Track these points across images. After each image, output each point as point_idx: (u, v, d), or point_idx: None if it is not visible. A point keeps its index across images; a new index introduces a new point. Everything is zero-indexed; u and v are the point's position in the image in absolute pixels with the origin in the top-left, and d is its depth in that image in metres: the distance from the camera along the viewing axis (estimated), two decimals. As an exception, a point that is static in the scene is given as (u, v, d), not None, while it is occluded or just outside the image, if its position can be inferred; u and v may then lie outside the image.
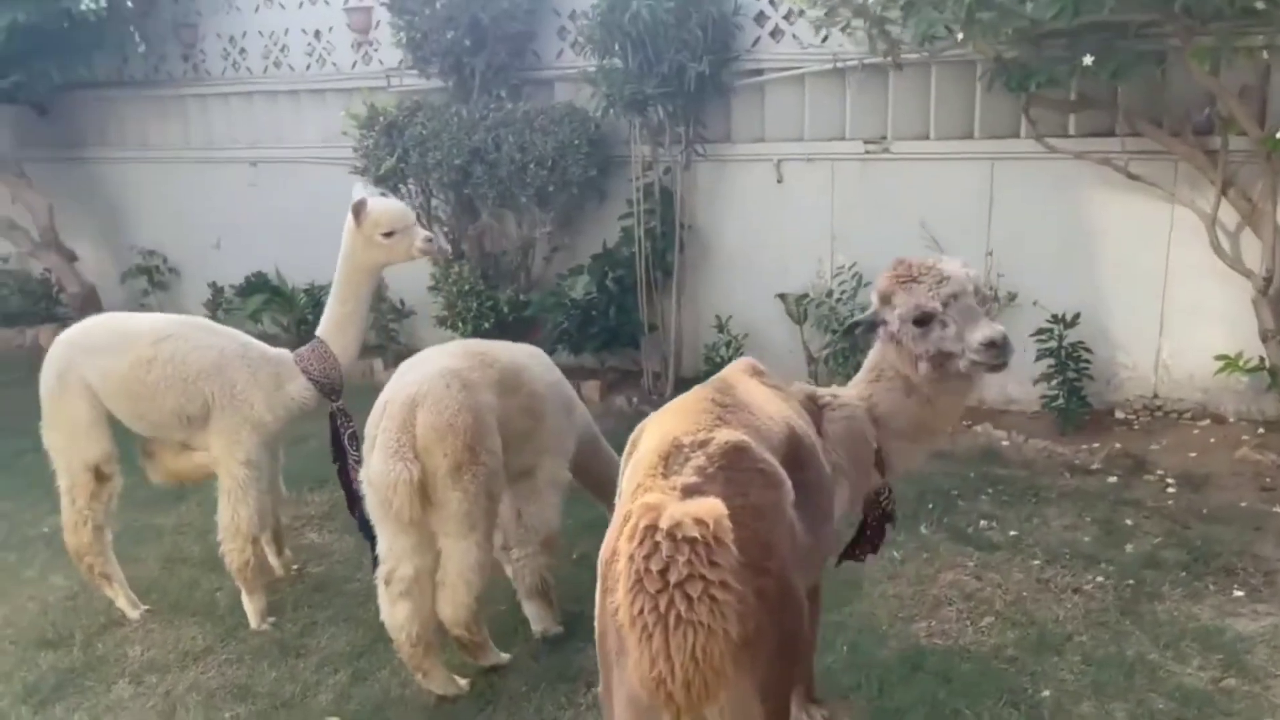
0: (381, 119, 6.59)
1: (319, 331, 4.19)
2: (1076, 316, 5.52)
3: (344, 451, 4.14)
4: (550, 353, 4.21)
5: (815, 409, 2.88)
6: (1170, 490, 4.86)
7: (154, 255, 8.82)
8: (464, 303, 6.61)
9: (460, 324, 6.68)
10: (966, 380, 2.89)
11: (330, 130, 7.61)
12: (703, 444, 2.09)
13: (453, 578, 3.37)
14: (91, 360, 3.90)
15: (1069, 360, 5.54)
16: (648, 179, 6.39)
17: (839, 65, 5.95)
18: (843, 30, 5.53)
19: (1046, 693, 3.39)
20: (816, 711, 2.85)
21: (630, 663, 1.84)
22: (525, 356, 3.76)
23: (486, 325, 6.61)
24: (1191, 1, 4.30)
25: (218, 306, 8.21)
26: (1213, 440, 5.29)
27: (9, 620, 4.23)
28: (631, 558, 1.78)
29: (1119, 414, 5.71)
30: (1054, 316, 5.54)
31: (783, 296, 6.27)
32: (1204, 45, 4.61)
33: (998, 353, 2.71)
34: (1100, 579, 4.08)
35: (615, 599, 1.89)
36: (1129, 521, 4.56)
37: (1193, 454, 5.18)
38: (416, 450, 3.21)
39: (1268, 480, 4.83)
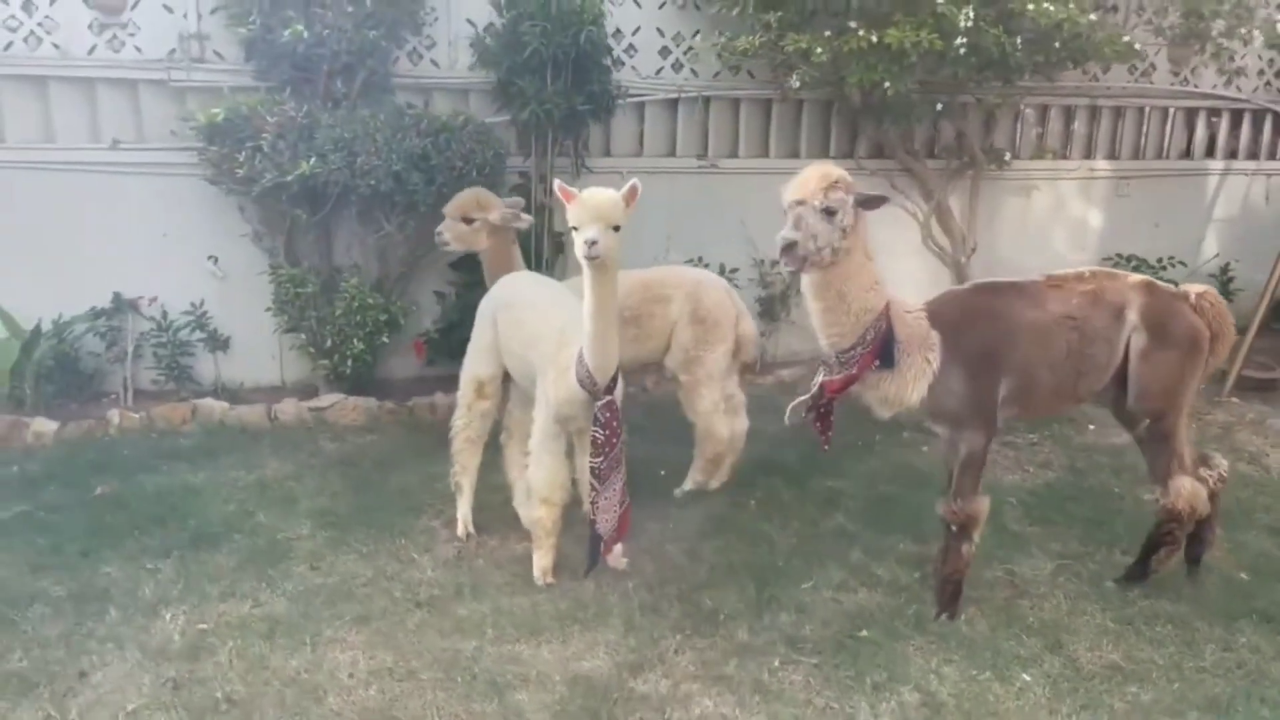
0: (254, 120, 5.75)
1: None
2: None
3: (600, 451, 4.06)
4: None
5: None
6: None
7: None
8: (362, 316, 6.18)
9: (352, 343, 6.21)
10: None
11: (57, 124, 6.24)
12: None
13: None
14: (501, 309, 4.58)
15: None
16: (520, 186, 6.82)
17: (684, 95, 7.28)
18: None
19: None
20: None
21: None
22: None
23: (384, 339, 6.32)
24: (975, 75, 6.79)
25: None
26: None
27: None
28: None
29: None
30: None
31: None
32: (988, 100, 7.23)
33: None
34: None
35: None
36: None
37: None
38: None
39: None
